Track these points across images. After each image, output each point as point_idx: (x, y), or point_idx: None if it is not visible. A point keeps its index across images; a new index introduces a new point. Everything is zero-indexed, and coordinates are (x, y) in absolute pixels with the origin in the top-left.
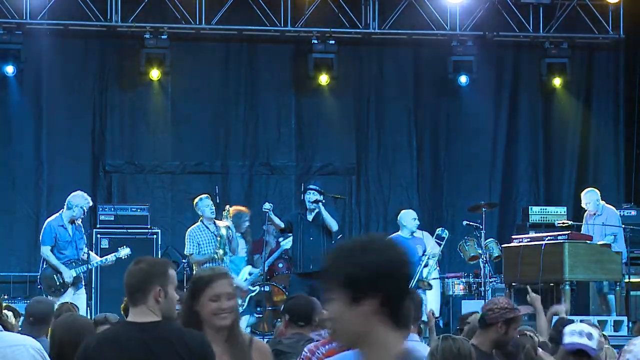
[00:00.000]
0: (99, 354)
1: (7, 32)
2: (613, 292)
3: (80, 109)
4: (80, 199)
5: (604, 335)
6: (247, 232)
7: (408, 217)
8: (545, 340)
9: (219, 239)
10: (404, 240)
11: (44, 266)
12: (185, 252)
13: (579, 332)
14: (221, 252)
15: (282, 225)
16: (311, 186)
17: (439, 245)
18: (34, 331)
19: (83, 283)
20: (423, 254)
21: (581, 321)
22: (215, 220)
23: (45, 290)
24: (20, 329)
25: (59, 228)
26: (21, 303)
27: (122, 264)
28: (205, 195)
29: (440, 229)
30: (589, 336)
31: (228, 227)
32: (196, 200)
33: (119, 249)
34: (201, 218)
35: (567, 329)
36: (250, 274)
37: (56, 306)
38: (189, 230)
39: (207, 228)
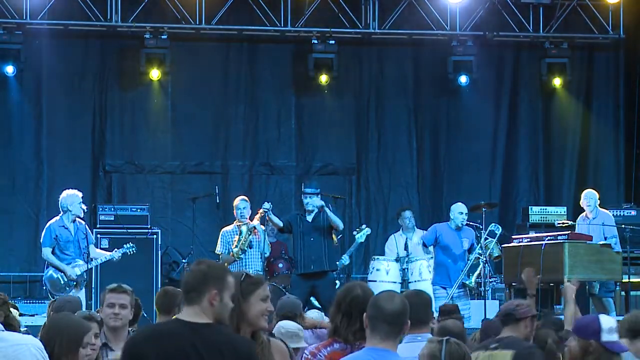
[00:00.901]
0: (147, 346)
1: (7, 32)
2: (611, 295)
3: (80, 109)
4: (70, 198)
5: None
6: None
7: (455, 211)
8: (569, 330)
9: (237, 237)
10: (449, 230)
11: (47, 268)
12: (215, 251)
13: (616, 328)
14: (236, 249)
15: (281, 224)
16: (309, 190)
17: (491, 242)
18: None
19: (84, 283)
20: (470, 250)
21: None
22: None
23: (52, 291)
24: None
25: (60, 228)
26: (21, 303)
27: (122, 264)
28: (243, 197)
29: (494, 224)
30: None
31: (249, 226)
32: (235, 202)
33: (125, 245)
34: (236, 221)
35: (606, 325)
36: None
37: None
38: (222, 230)
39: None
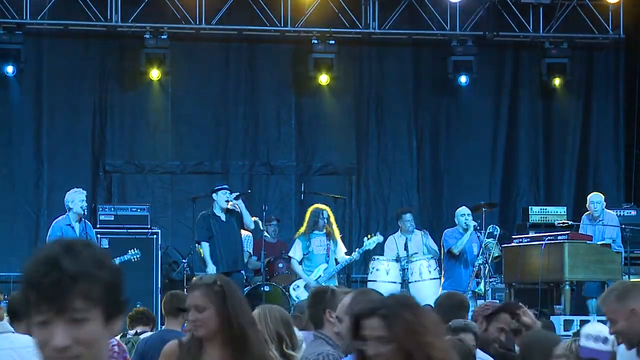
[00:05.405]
0: None
1: (7, 32)
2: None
3: (80, 109)
4: (73, 195)
5: None
6: (327, 229)
7: (457, 214)
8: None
9: None
10: (460, 236)
11: None
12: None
13: (595, 336)
14: None
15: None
16: (224, 185)
17: (491, 242)
18: None
19: None
20: (479, 254)
21: (581, 321)
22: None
23: None
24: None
25: (66, 227)
26: None
27: (122, 264)
28: None
29: (492, 225)
30: (605, 340)
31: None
32: None
33: (129, 251)
34: None
35: (584, 331)
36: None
37: None
38: None
39: None
